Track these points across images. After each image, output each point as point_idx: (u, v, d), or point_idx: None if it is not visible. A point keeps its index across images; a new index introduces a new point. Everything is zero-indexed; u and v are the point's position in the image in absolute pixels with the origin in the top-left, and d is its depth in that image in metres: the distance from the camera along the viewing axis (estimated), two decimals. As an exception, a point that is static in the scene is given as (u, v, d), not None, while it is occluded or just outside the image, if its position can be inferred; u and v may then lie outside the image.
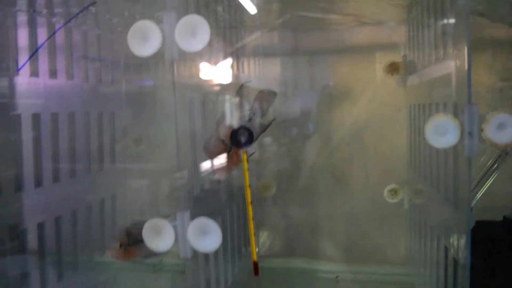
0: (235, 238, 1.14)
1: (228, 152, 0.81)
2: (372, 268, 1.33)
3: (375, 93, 1.41)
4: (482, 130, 0.65)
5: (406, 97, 1.35)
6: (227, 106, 0.93)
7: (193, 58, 1.07)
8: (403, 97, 1.37)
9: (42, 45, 0.91)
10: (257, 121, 0.83)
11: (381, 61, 1.38)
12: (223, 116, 0.87)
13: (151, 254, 0.88)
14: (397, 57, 1.36)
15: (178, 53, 0.76)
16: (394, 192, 1.31)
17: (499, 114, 0.65)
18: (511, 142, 0.65)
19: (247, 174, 0.74)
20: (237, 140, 0.75)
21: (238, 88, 0.91)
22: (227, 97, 1.16)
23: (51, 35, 0.92)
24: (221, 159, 0.84)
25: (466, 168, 0.66)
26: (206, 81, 1.18)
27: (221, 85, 1.24)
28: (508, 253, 0.97)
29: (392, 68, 1.33)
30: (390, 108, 1.39)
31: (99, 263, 1.27)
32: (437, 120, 0.65)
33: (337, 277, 1.33)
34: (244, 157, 0.74)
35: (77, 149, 1.17)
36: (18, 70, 0.88)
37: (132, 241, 0.89)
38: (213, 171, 0.82)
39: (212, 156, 0.81)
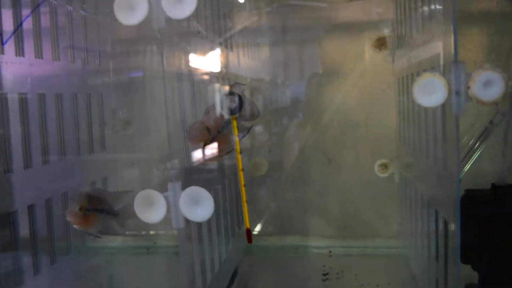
0: (228, 215, 1.14)
1: (211, 141, 0.81)
2: (364, 242, 1.35)
3: (365, 70, 1.42)
4: (468, 88, 0.65)
5: (394, 72, 1.35)
6: (217, 97, 0.92)
7: (184, 45, 1.07)
8: (392, 74, 1.38)
9: (26, 18, 0.90)
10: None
11: (370, 38, 1.38)
12: (213, 106, 0.86)
13: (111, 230, 0.88)
14: (385, 33, 1.36)
15: (165, 21, 0.75)
16: (384, 166, 1.32)
17: (485, 71, 0.65)
18: (497, 99, 0.65)
19: (237, 141, 0.74)
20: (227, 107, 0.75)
21: (231, 86, 0.90)
22: (217, 86, 1.16)
23: (34, 9, 0.91)
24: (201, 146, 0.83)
25: (454, 127, 0.67)
26: (196, 69, 1.17)
27: (211, 73, 1.24)
28: (496, 217, 0.98)
29: (380, 43, 1.34)
30: (380, 84, 1.39)
31: (92, 247, 1.27)
32: (424, 80, 0.66)
33: (330, 252, 1.34)
34: (234, 124, 0.74)
35: (66, 131, 1.16)
36: (3, 44, 0.87)
37: (92, 207, 0.88)
38: (194, 158, 0.81)
39: (193, 141, 0.80)
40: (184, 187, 0.76)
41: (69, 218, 0.87)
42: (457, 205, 0.71)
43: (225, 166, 1.12)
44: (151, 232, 1.46)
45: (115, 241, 1.37)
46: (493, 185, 1.06)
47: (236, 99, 0.75)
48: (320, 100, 1.46)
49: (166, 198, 0.76)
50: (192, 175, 1.00)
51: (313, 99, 1.46)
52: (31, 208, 1.04)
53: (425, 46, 0.99)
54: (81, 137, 1.23)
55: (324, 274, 1.18)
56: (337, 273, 1.19)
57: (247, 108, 0.83)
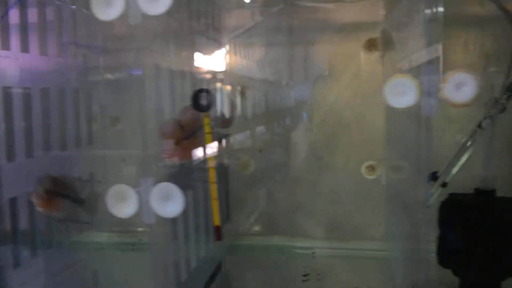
0: (209, 213, 1.14)
1: (184, 140, 0.80)
2: (349, 243, 1.34)
3: (358, 71, 1.41)
4: (440, 89, 0.65)
5: (384, 73, 1.35)
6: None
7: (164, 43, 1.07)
8: (383, 75, 1.37)
9: (9, 9, 0.90)
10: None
11: (361, 39, 1.38)
12: (190, 106, 0.85)
13: (77, 218, 0.87)
14: (376, 34, 1.35)
15: (141, 17, 0.75)
16: (371, 168, 1.31)
17: (458, 73, 0.64)
18: (469, 101, 0.65)
19: (209, 137, 0.74)
20: (198, 103, 0.75)
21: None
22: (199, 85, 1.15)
23: (14, 3, 0.91)
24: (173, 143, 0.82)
25: (426, 128, 0.66)
26: (180, 67, 1.18)
27: (197, 72, 1.24)
28: (478, 221, 0.97)
29: (371, 44, 1.33)
30: (372, 86, 1.38)
31: (75, 242, 1.27)
32: (395, 80, 0.65)
33: (313, 253, 1.33)
34: (206, 121, 0.74)
35: (52, 126, 1.17)
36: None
37: (57, 191, 0.87)
38: (164, 152, 0.81)
39: (165, 136, 0.80)
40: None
41: (33, 199, 0.87)
42: (429, 208, 0.70)
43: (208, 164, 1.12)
44: (139, 229, 1.46)
45: (100, 237, 1.37)
46: (476, 189, 1.05)
47: (207, 96, 0.74)
48: (311, 100, 1.45)
49: (138, 193, 0.76)
50: (174, 172, 1.00)
51: (305, 99, 1.46)
52: (13, 201, 1.04)
53: (413, 48, 0.99)
54: (68, 132, 1.23)
55: (305, 275, 1.17)
56: (318, 274, 1.18)
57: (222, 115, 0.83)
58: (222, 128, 0.85)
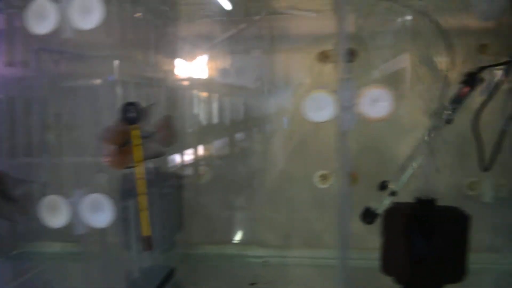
0: (157, 223, 1.14)
1: (124, 146, 0.81)
2: (302, 252, 1.35)
3: (316, 82, 1.43)
4: (357, 104, 0.67)
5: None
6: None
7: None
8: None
9: None
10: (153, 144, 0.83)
11: (312, 52, 1.40)
12: None
13: (5, 215, 0.87)
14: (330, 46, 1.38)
15: (73, 31, 0.76)
16: (324, 177, 1.33)
17: (373, 89, 0.67)
18: (385, 115, 0.67)
19: (139, 150, 0.75)
20: (125, 116, 0.76)
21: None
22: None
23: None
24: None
25: (342, 142, 0.68)
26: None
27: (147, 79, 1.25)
28: (418, 229, 1.00)
29: (324, 56, 1.35)
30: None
31: (27, 252, 1.26)
32: (314, 95, 0.67)
33: (264, 261, 1.34)
34: (134, 134, 0.75)
35: (1, 134, 1.16)
36: None
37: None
38: (106, 156, 0.81)
39: (105, 140, 0.81)
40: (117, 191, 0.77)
41: None
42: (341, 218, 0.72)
43: (156, 174, 1.13)
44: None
45: (53, 247, 1.36)
46: (417, 198, 1.08)
47: (135, 110, 0.75)
48: (269, 110, 1.47)
49: (71, 204, 0.77)
50: (123, 180, 1.00)
51: (262, 109, 1.48)
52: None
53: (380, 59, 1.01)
54: (19, 142, 1.23)
55: (252, 284, 1.18)
56: (266, 283, 1.19)
57: (164, 131, 0.84)
58: (163, 144, 0.86)
